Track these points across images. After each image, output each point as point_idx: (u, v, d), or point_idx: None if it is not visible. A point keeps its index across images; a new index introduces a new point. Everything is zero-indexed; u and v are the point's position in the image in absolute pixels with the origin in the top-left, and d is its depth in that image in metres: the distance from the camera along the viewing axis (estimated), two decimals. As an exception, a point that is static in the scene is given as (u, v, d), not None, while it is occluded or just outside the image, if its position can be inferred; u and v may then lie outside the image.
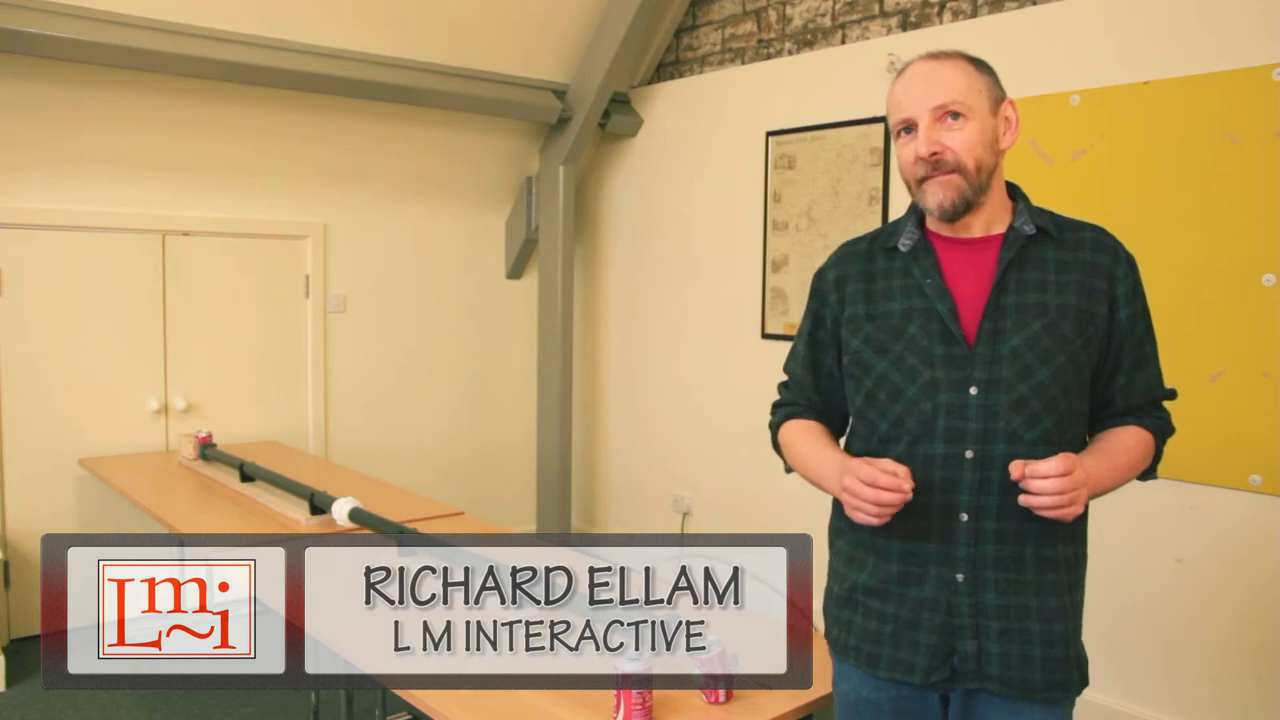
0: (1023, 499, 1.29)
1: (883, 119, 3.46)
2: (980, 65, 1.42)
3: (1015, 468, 1.29)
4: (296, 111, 4.08)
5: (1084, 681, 1.43)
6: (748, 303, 4.17)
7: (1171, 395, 1.49)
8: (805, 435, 1.55)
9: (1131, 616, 2.98)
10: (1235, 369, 2.77)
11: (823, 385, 1.57)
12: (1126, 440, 1.43)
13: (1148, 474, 1.48)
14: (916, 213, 1.47)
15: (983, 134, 1.38)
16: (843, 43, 3.85)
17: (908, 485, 1.31)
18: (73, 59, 3.36)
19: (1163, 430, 1.47)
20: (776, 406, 1.64)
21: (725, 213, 4.29)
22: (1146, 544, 2.94)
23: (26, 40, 3.22)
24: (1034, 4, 3.22)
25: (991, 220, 1.42)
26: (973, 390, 1.36)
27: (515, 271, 4.97)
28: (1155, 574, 2.94)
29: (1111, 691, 3.03)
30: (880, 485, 1.31)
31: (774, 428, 1.63)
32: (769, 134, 4.05)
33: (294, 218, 4.27)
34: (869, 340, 1.45)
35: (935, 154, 1.37)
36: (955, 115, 1.37)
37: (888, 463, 1.33)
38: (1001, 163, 1.43)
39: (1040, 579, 1.38)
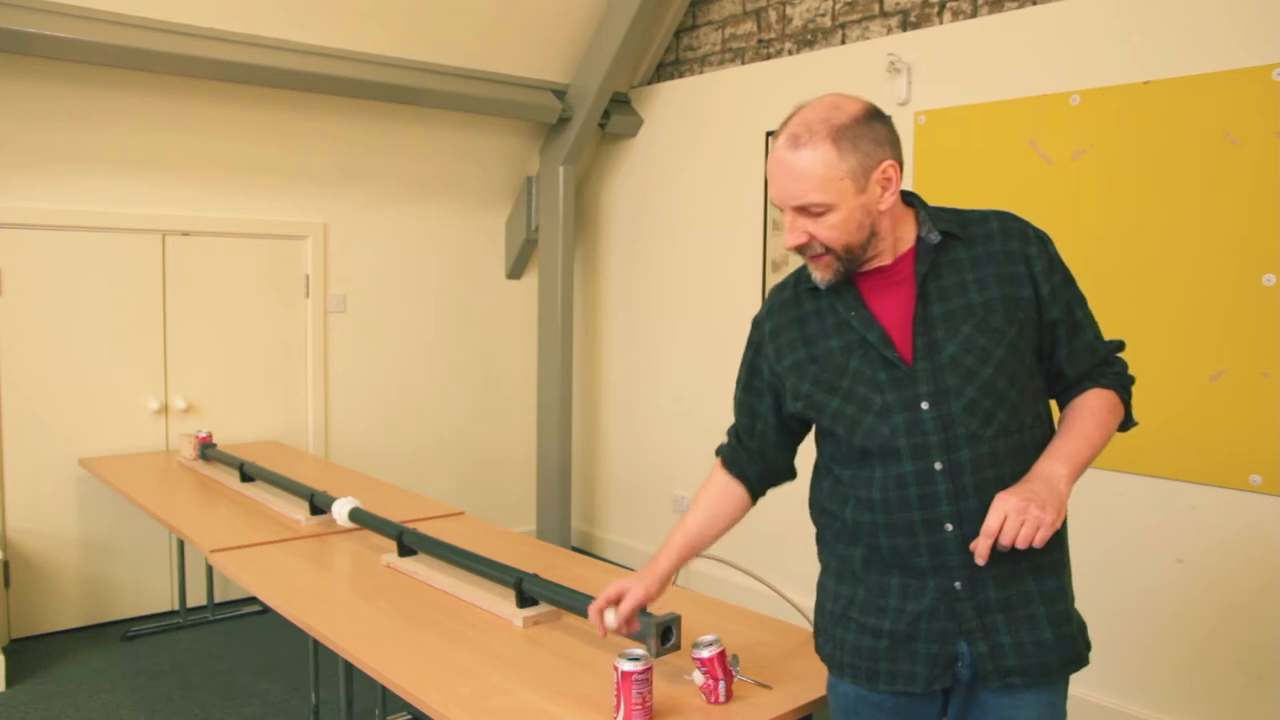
0: (1003, 548, 1.31)
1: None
2: (844, 142, 1.35)
3: (978, 551, 1.32)
4: (296, 111, 4.08)
5: (1088, 646, 1.46)
6: (748, 303, 4.17)
7: (1119, 346, 1.51)
8: (694, 508, 1.66)
9: (1132, 616, 2.98)
10: (1235, 369, 2.77)
11: (757, 430, 1.63)
12: (1091, 405, 1.45)
13: (1126, 424, 1.50)
14: None
15: (849, 218, 1.36)
16: (843, 43, 3.85)
17: (599, 634, 1.67)
18: (73, 59, 3.37)
19: (1123, 383, 1.48)
20: (720, 445, 1.71)
21: (725, 213, 4.29)
22: (1146, 544, 2.94)
23: (26, 40, 3.23)
24: (1034, 4, 3.22)
25: (897, 242, 1.43)
26: (924, 405, 1.38)
27: (515, 271, 4.97)
28: (1155, 574, 2.94)
29: (1111, 690, 3.04)
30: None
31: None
32: (769, 134, 4.06)
33: (294, 218, 4.27)
34: (817, 381, 1.47)
35: (801, 245, 1.39)
36: (816, 209, 1.36)
37: (619, 612, 1.62)
38: (891, 205, 1.39)
39: (1036, 562, 1.40)
